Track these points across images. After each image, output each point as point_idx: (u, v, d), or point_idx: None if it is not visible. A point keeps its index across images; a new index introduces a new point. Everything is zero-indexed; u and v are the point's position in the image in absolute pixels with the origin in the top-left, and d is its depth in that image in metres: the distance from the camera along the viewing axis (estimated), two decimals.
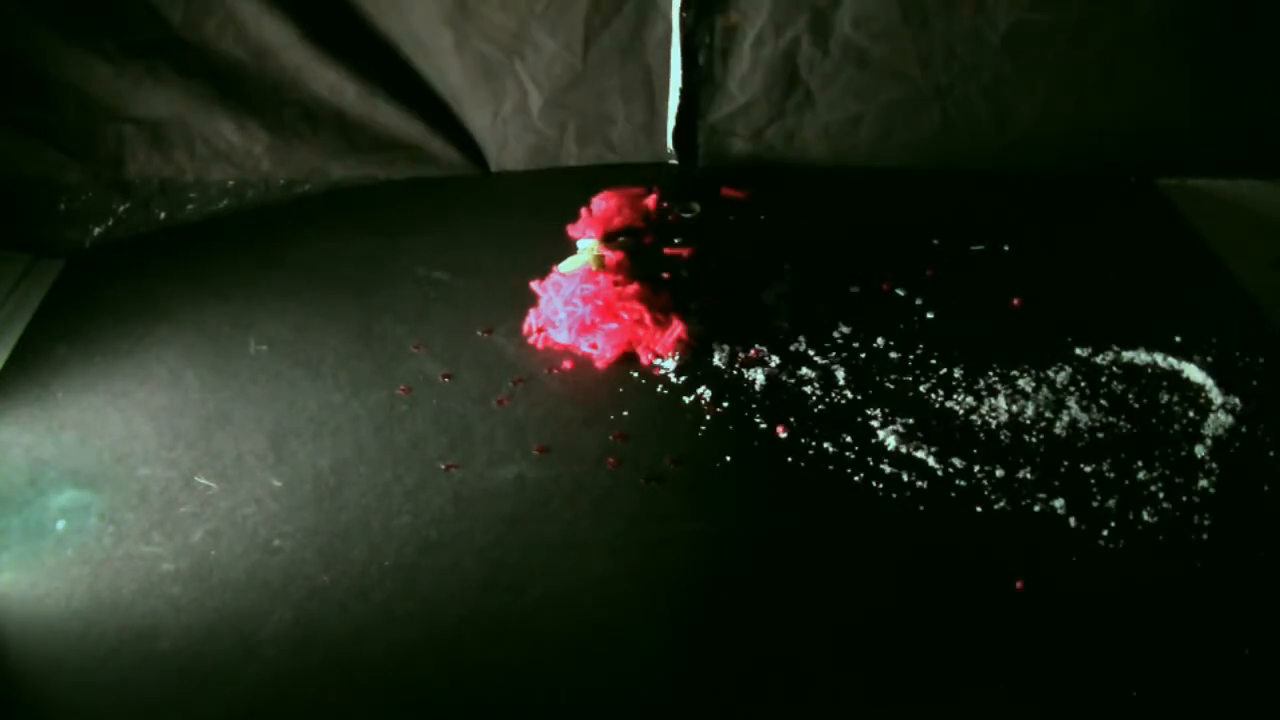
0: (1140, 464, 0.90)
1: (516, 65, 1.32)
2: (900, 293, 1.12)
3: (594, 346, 1.05)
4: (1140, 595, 0.79)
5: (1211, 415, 0.95)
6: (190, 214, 1.33)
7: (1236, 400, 0.96)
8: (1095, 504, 0.86)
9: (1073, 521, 0.85)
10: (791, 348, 1.05)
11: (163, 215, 1.32)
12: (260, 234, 1.29)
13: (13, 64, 1.25)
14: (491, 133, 1.39)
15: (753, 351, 1.04)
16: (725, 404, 0.98)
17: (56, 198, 1.30)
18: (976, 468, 0.90)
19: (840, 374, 1.01)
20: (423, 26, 1.32)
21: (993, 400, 0.97)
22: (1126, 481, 0.88)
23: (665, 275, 1.16)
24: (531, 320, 1.09)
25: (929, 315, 1.09)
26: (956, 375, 1.01)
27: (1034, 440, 0.93)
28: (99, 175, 1.31)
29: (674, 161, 1.39)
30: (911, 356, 1.03)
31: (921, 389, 0.99)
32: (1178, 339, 1.04)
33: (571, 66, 1.32)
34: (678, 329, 1.04)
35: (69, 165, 1.30)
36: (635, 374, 1.03)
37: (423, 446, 0.95)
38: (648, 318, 1.04)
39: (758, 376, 1.01)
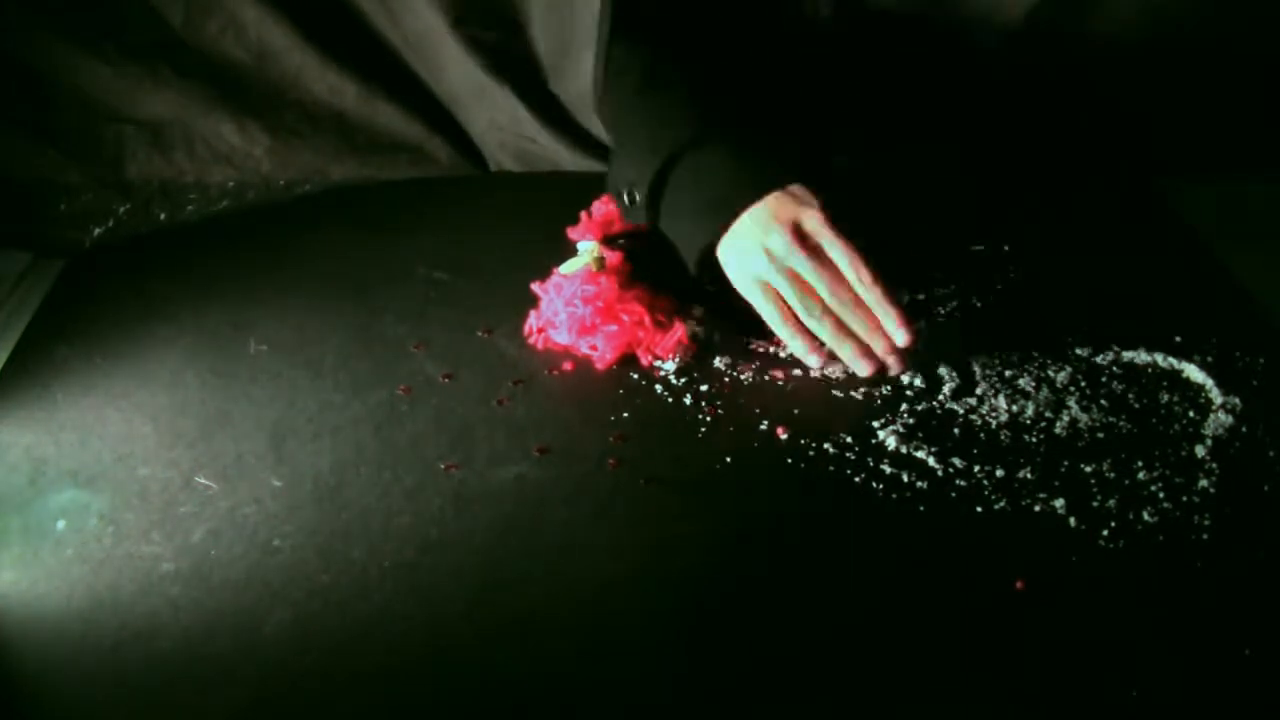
0: (1140, 464, 0.90)
1: (517, 65, 1.32)
2: None
3: (594, 348, 1.05)
4: (1140, 595, 0.79)
5: (1211, 415, 0.95)
6: (190, 215, 1.33)
7: (1236, 400, 0.96)
8: (1095, 504, 0.86)
9: (1073, 521, 0.85)
10: None
11: (163, 216, 1.32)
12: (260, 234, 1.29)
13: (13, 65, 1.25)
14: (491, 134, 1.39)
15: (753, 351, 1.04)
16: (725, 404, 0.98)
17: (57, 198, 1.30)
18: (976, 468, 0.90)
19: (841, 374, 1.01)
20: (422, 28, 1.32)
21: (993, 400, 0.97)
22: (1126, 481, 0.88)
23: (665, 277, 1.15)
24: (532, 321, 1.09)
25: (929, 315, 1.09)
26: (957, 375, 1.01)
27: (1034, 440, 0.93)
28: (99, 176, 1.32)
29: None
30: (912, 356, 1.03)
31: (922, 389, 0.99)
32: (1178, 339, 1.04)
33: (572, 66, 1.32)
34: (678, 331, 1.04)
35: (69, 166, 1.30)
36: (635, 375, 1.03)
37: (423, 446, 0.95)
38: (648, 319, 1.04)
39: (758, 377, 1.01)
